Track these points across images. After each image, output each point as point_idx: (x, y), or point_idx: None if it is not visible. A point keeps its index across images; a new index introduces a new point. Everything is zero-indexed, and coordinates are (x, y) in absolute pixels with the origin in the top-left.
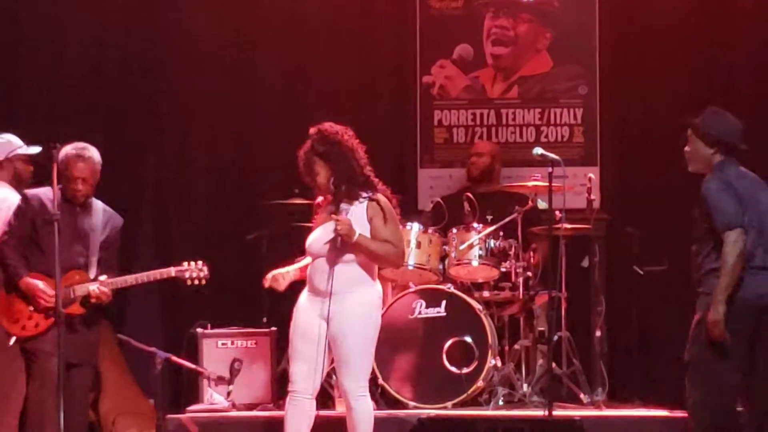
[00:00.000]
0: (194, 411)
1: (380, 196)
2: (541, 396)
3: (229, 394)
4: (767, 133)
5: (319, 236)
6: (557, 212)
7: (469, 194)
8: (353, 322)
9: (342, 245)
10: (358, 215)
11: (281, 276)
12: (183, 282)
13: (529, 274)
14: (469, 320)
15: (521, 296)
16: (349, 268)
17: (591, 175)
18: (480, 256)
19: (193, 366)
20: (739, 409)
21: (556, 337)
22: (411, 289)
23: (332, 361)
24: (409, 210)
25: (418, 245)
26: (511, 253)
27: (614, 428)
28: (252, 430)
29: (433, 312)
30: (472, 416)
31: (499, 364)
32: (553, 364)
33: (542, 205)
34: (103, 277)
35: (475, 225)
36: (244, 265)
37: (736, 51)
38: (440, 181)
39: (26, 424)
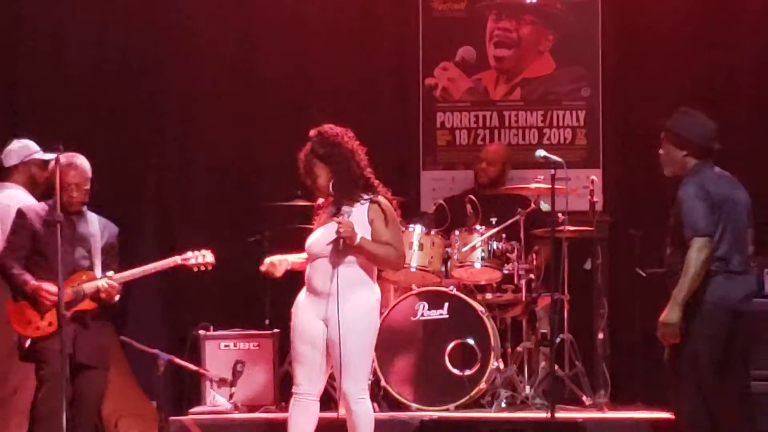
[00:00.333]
0: (197, 413)
1: (381, 198)
2: (543, 398)
3: (231, 395)
4: None
5: (319, 237)
6: (560, 214)
7: (472, 196)
8: (352, 324)
9: (344, 247)
10: (358, 217)
11: (278, 262)
12: (189, 269)
13: (532, 276)
14: (472, 322)
15: (524, 298)
16: (348, 270)
17: (594, 177)
18: (482, 258)
19: (195, 368)
20: None
21: (558, 339)
22: (413, 291)
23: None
24: (411, 212)
25: (421, 247)
26: (514, 255)
27: (617, 430)
28: (254, 431)
29: (435, 314)
30: (474, 418)
31: (501, 366)
32: (556, 366)
33: (545, 207)
34: (110, 273)
35: (477, 227)
36: (246, 267)
37: (739, 52)
38: (443, 183)
39: (35, 427)
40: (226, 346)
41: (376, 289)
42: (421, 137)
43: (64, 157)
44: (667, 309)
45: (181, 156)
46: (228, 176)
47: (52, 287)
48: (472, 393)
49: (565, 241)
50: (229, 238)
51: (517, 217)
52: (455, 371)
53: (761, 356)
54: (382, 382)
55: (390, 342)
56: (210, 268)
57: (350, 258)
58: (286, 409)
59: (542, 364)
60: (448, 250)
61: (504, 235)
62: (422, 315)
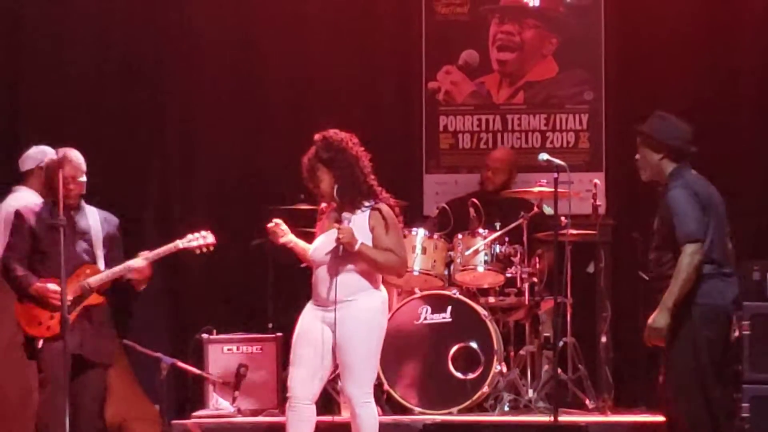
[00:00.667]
0: (200, 416)
1: (382, 205)
2: (546, 401)
3: (234, 399)
4: None
5: (321, 244)
6: (563, 218)
7: (475, 200)
8: (358, 328)
9: (344, 254)
10: (360, 224)
11: (285, 231)
12: (192, 252)
13: (535, 279)
14: (475, 326)
15: (527, 302)
16: (351, 276)
17: (596, 180)
18: (485, 262)
19: (198, 371)
20: None
21: (561, 343)
22: (416, 295)
23: (337, 368)
24: (414, 215)
25: (424, 251)
26: (517, 258)
27: None
28: None
29: (438, 318)
30: (477, 422)
31: (504, 369)
32: (559, 370)
33: (548, 210)
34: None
35: (480, 230)
36: (250, 271)
37: (741, 55)
38: (446, 186)
39: (39, 427)
40: (229, 349)
41: (383, 292)
42: (424, 141)
43: (56, 152)
44: (656, 312)
45: (183, 159)
46: (230, 179)
47: (55, 286)
48: (475, 396)
49: (568, 245)
50: (232, 242)
51: (520, 220)
52: (458, 375)
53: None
54: (386, 386)
55: (393, 346)
56: (212, 248)
57: (352, 264)
58: None
59: (545, 367)
60: (451, 253)
61: (507, 239)
62: (425, 319)
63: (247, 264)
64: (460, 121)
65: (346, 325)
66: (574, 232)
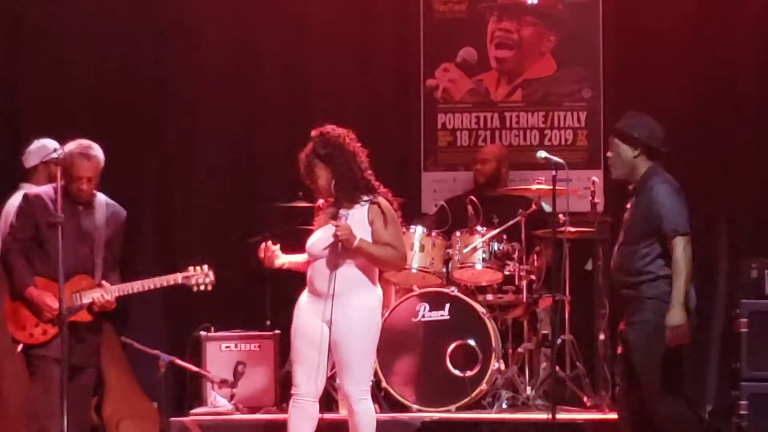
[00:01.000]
0: (198, 414)
1: (381, 199)
2: (544, 399)
3: (232, 396)
4: None
5: (319, 238)
6: (561, 215)
7: (473, 197)
8: (354, 326)
9: (343, 250)
10: (358, 219)
11: (277, 255)
12: (189, 288)
13: (533, 277)
14: (473, 323)
15: (525, 299)
16: (349, 271)
17: (595, 178)
18: (484, 260)
19: (196, 369)
20: None
21: (559, 340)
22: (414, 292)
23: (334, 365)
24: (412, 213)
25: (422, 248)
26: (515, 256)
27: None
28: None
29: (436, 315)
30: (475, 419)
31: (502, 367)
32: (557, 367)
33: (546, 208)
34: (104, 283)
35: (478, 228)
36: (248, 268)
37: (740, 53)
38: (444, 184)
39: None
40: (227, 347)
41: (378, 290)
42: (422, 138)
43: (77, 147)
44: (671, 311)
45: (182, 157)
46: (229, 177)
47: (53, 301)
48: (473, 394)
49: (567, 242)
50: (230, 239)
51: (519, 218)
52: (456, 372)
53: (762, 356)
54: (384, 383)
55: (391, 343)
56: (210, 288)
57: (350, 259)
58: (286, 410)
59: (543, 365)
60: (449, 251)
61: (505, 236)
62: (423, 316)
63: (245, 261)
64: (458, 119)
65: (343, 324)
66: (573, 229)
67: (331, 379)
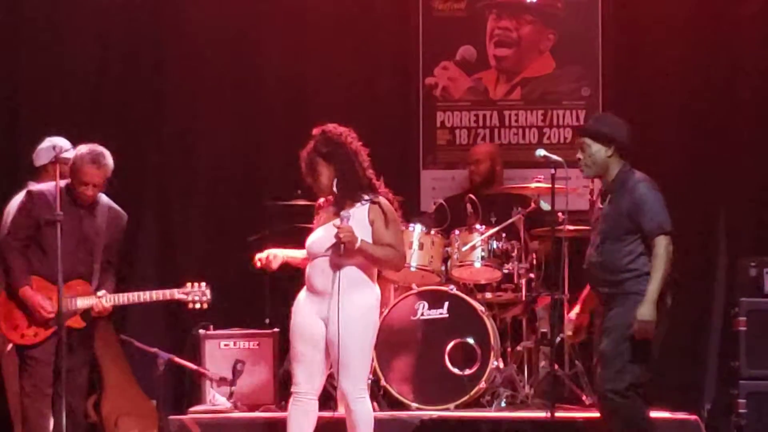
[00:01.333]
0: (196, 412)
1: (382, 199)
2: (543, 397)
3: (231, 395)
4: None
5: (319, 237)
6: (560, 214)
7: (472, 196)
8: (352, 326)
9: (344, 252)
10: (359, 218)
11: (274, 257)
12: (185, 305)
13: (532, 275)
14: (472, 322)
15: (524, 298)
16: (348, 270)
17: None
18: (482, 258)
19: (195, 367)
20: None
21: (558, 339)
22: (413, 291)
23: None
24: (411, 211)
25: (421, 247)
26: (514, 254)
27: None
28: (254, 431)
29: (435, 313)
30: (474, 418)
31: (501, 365)
32: (556, 366)
33: (545, 206)
34: (101, 292)
35: (477, 226)
36: (247, 266)
37: (740, 52)
38: (443, 182)
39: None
40: (226, 345)
41: (376, 288)
42: (421, 136)
43: (89, 152)
44: (644, 306)
45: (181, 155)
46: (228, 175)
47: (48, 304)
48: (472, 392)
49: (565, 241)
50: (229, 237)
51: (517, 216)
52: (455, 370)
53: (761, 355)
54: (382, 382)
55: (390, 341)
56: (206, 306)
57: (350, 258)
58: (286, 408)
59: (542, 363)
60: (448, 249)
61: (504, 235)
62: (422, 314)
63: (244, 259)
64: (457, 117)
65: (341, 321)
66: (571, 228)
67: (330, 377)
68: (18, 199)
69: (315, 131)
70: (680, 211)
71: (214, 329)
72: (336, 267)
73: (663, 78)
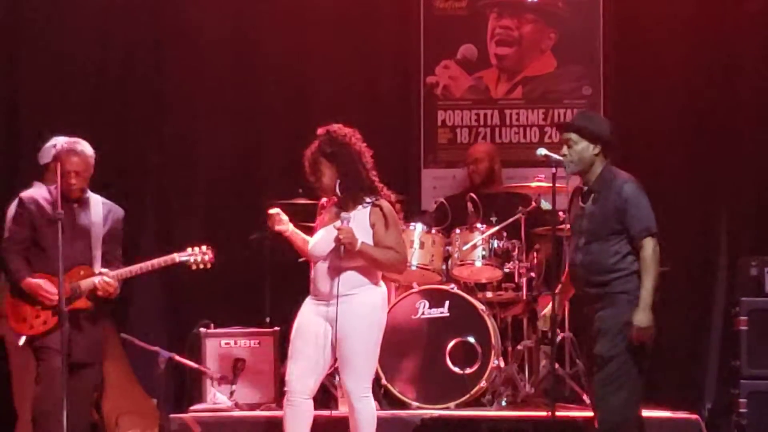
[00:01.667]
0: (197, 410)
1: (383, 202)
2: (544, 396)
3: (232, 393)
4: None
5: (321, 239)
6: (561, 213)
7: (473, 195)
8: (358, 324)
9: (345, 253)
10: (360, 221)
11: (281, 220)
12: (188, 267)
13: (533, 274)
14: (473, 321)
15: (524, 297)
16: (351, 272)
17: None
18: (483, 257)
19: (196, 365)
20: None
21: (559, 338)
22: (414, 290)
23: (335, 362)
24: (412, 210)
25: (422, 246)
26: (515, 253)
27: None
28: (255, 429)
29: (436, 312)
30: (475, 417)
31: (502, 364)
32: (557, 365)
33: (546, 205)
34: (104, 270)
35: (478, 225)
36: (248, 265)
37: (740, 51)
38: (443, 181)
39: (35, 425)
40: (226, 343)
41: (383, 288)
42: (422, 135)
43: (64, 142)
44: (640, 311)
45: (182, 153)
46: (229, 173)
47: (50, 287)
48: (473, 391)
49: (566, 240)
50: (230, 236)
51: (518, 215)
52: (456, 369)
53: (762, 355)
54: (383, 381)
55: (391, 340)
56: (209, 266)
57: (352, 261)
58: None
59: (543, 362)
60: (449, 248)
61: (505, 234)
62: (423, 313)
63: (245, 258)
64: (458, 116)
65: (346, 321)
66: None
67: (330, 376)
68: (13, 206)
69: (320, 131)
70: (680, 210)
71: (215, 328)
72: (337, 269)
73: (664, 77)
